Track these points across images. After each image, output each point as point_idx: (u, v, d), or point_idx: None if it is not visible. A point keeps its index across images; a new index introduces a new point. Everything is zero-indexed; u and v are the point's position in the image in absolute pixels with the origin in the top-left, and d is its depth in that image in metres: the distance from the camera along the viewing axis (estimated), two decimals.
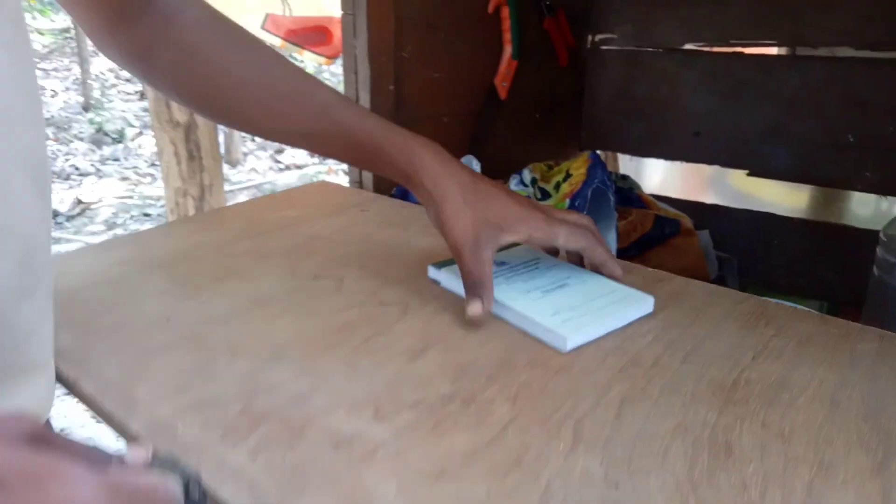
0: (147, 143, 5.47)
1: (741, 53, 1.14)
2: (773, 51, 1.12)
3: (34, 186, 0.39)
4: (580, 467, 0.37)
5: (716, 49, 1.16)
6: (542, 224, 0.55)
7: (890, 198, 1.03)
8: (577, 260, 0.61)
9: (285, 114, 0.58)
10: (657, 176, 1.35)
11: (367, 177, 0.97)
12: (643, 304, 0.55)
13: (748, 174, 1.16)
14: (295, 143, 0.63)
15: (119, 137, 5.72)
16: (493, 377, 0.46)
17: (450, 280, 0.59)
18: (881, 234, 0.83)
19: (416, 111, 1.03)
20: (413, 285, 0.60)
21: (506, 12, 1.12)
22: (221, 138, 4.82)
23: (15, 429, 0.26)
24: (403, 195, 0.94)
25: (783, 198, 1.20)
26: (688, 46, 1.19)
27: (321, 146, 0.60)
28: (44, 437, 0.27)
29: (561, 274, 0.59)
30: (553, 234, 0.55)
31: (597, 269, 0.59)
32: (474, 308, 0.52)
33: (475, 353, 0.49)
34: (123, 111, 5.89)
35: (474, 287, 0.52)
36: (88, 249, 0.73)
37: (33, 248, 0.39)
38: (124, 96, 6.22)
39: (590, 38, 1.30)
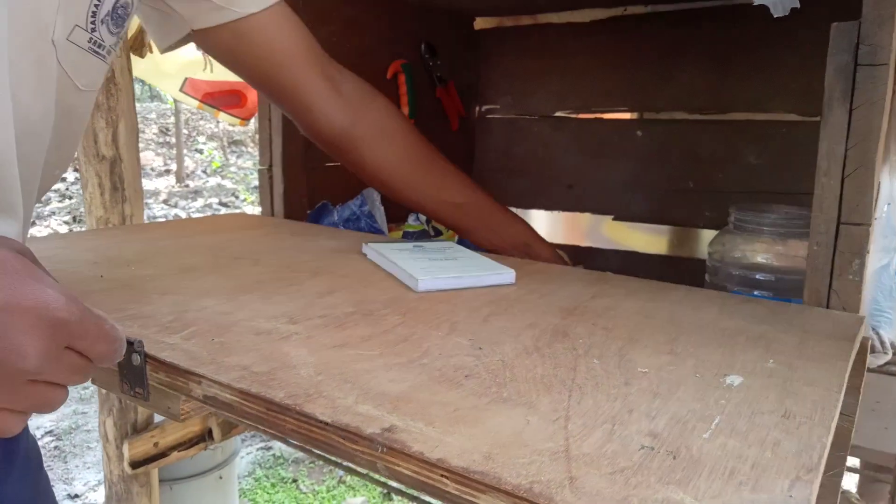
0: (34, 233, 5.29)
1: (601, 118, 1.35)
2: (626, 115, 1.34)
3: None
4: (453, 342, 0.48)
5: (581, 115, 1.37)
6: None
7: None
8: None
9: (447, 187, 0.78)
10: (542, 226, 1.53)
11: (279, 208, 1.07)
12: (505, 275, 0.66)
13: (613, 219, 1.35)
14: (442, 211, 0.81)
15: None
16: (387, 304, 0.56)
17: (374, 253, 0.71)
18: (708, 249, 1.02)
19: (324, 156, 1.15)
20: (321, 262, 0.70)
21: (402, 79, 1.29)
22: None
23: (8, 242, 0.34)
24: (315, 220, 1.05)
25: (645, 241, 1.39)
26: (558, 114, 1.40)
27: (461, 216, 0.81)
28: (28, 254, 0.35)
29: (457, 254, 0.71)
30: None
31: None
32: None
33: (374, 293, 0.59)
34: None
35: None
36: None
37: None
38: None
39: (477, 107, 1.50)
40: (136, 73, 1.28)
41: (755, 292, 0.89)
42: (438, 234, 1.19)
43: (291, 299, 0.56)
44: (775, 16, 0.63)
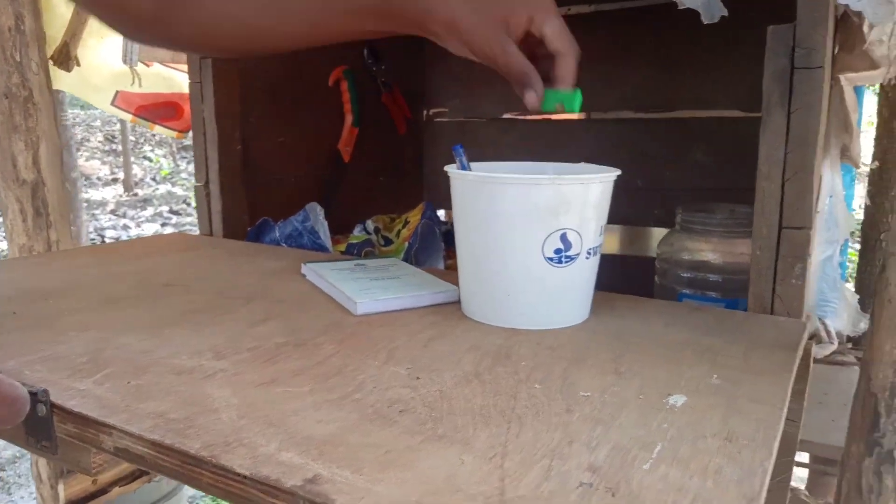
0: None
1: (548, 119, 1.35)
2: (574, 115, 1.34)
3: None
4: (390, 371, 0.46)
5: (528, 117, 1.36)
6: (543, 9, 0.57)
7: None
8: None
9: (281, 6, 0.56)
10: None
11: (218, 226, 1.03)
12: (449, 292, 0.63)
13: None
14: (296, 33, 0.59)
15: None
16: (323, 331, 0.54)
17: (313, 275, 0.68)
18: (656, 249, 1.01)
19: (265, 170, 1.11)
20: (259, 288, 0.67)
21: (345, 86, 1.26)
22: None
23: None
24: (255, 239, 1.01)
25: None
26: (506, 116, 1.38)
27: (321, 26, 0.58)
28: None
29: (399, 272, 0.69)
30: (549, 21, 0.57)
31: (551, 82, 0.59)
32: (529, 98, 0.57)
33: (310, 320, 0.57)
34: None
35: (520, 80, 0.57)
36: None
37: None
38: None
39: (425, 111, 1.48)
40: (62, 87, 1.22)
41: (704, 294, 0.89)
42: (389, 242, 1.16)
43: (221, 331, 0.53)
44: (705, 22, 0.63)
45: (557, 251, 0.54)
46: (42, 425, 0.40)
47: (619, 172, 0.59)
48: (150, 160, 6.94)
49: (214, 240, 0.95)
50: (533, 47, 0.59)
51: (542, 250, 0.54)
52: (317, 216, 0.95)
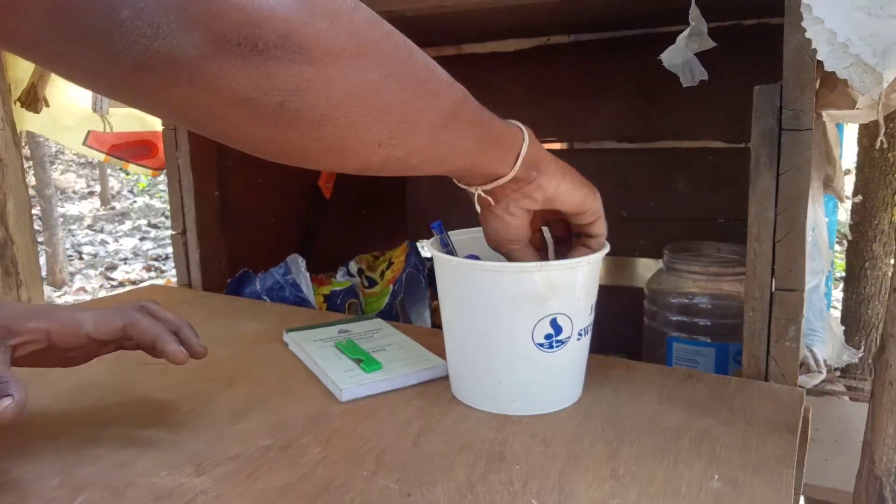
0: None
1: None
2: (556, 145, 1.32)
3: None
4: (379, 486, 0.44)
5: None
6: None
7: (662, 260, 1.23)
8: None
9: None
10: None
11: (196, 276, 1.00)
12: (436, 368, 0.61)
13: None
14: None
15: None
16: (307, 427, 0.52)
17: (295, 346, 0.67)
18: (645, 289, 1.00)
19: (243, 213, 1.09)
20: (238, 361, 0.65)
21: None
22: (43, 259, 4.49)
23: None
24: (235, 292, 0.98)
25: None
26: None
27: None
28: None
29: (385, 341, 0.67)
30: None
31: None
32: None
33: (293, 412, 0.55)
34: None
35: None
36: None
37: None
38: None
39: None
40: (32, 128, 1.19)
41: (693, 338, 0.89)
42: (373, 283, 1.14)
43: (200, 432, 0.51)
44: (684, 85, 0.62)
45: (548, 336, 0.52)
46: None
47: (607, 250, 0.58)
48: (127, 172, 6.84)
49: (192, 294, 0.92)
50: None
51: (532, 337, 0.52)
52: (298, 268, 0.93)
